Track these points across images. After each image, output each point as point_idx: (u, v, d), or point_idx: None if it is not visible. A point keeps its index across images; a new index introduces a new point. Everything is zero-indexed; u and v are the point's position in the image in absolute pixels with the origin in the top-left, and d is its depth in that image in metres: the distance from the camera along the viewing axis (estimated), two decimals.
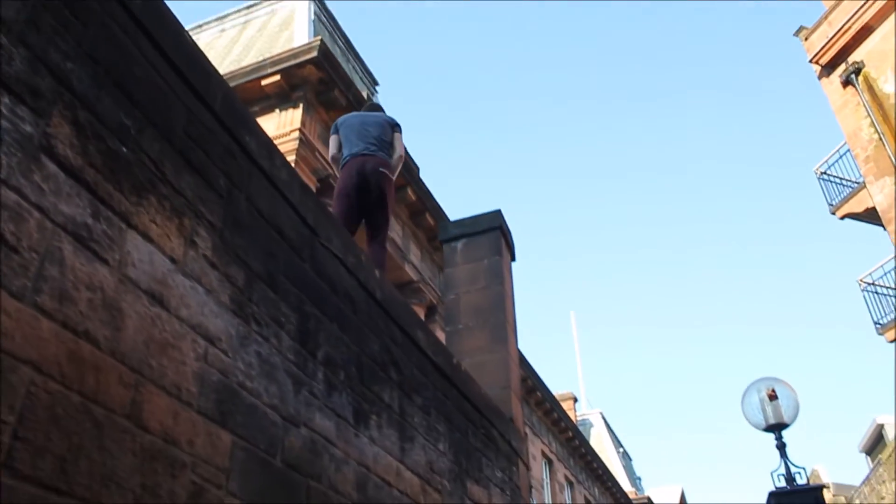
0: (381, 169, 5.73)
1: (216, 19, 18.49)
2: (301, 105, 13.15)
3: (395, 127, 6.15)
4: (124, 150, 2.39)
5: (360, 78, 18.94)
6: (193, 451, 2.40)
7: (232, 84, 13.14)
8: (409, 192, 14.42)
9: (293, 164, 12.61)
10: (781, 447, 6.11)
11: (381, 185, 5.71)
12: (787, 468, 5.97)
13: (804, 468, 5.95)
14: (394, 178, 5.93)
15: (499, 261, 6.91)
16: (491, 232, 6.95)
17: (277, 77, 13.06)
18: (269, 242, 3.17)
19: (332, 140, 6.14)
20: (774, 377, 6.39)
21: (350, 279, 3.82)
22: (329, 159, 6.39)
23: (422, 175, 15.16)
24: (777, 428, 6.16)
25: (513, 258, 7.37)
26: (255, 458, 2.71)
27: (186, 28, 19.26)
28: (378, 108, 6.46)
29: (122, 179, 2.36)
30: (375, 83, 20.24)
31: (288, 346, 3.09)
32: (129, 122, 2.45)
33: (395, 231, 14.34)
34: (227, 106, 3.09)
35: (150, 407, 2.26)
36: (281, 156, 3.46)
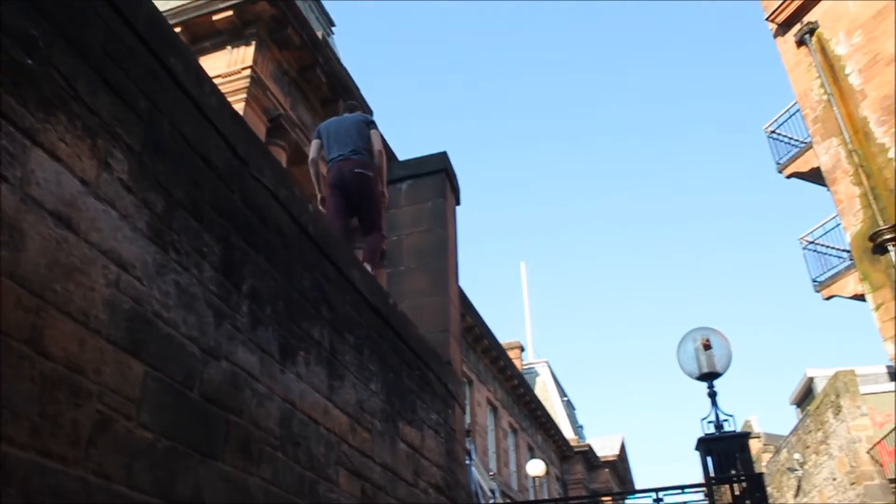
0: (356, 170, 6.27)
1: None
2: (253, 42, 12.78)
3: (369, 124, 6.64)
4: (29, 62, 2.25)
5: (316, 18, 18.46)
6: (101, 380, 2.32)
7: (182, 18, 12.68)
8: None
9: (244, 103, 12.29)
10: (713, 395, 6.26)
11: (361, 183, 6.25)
12: (717, 416, 6.11)
13: (732, 416, 6.12)
14: (381, 172, 6.46)
15: (443, 203, 6.85)
16: (436, 174, 6.88)
17: (230, 12, 12.66)
18: (195, 171, 3.06)
19: (313, 144, 6.75)
20: (710, 327, 6.51)
21: (282, 213, 3.72)
22: (308, 162, 6.90)
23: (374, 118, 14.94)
24: (709, 377, 6.29)
25: (457, 202, 7.32)
26: (169, 390, 2.64)
27: None
28: (354, 107, 6.94)
29: (26, 94, 2.22)
30: (332, 24, 19.77)
31: (210, 277, 3.01)
32: (36, 33, 2.30)
33: None
34: (151, 26, 2.94)
35: (53, 333, 2.17)
36: (210, 82, 3.32)
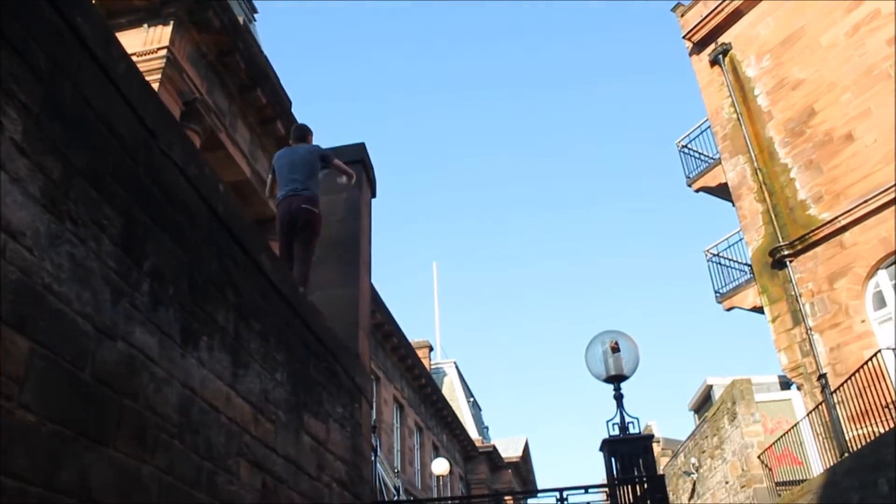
0: (304, 206, 6.22)
1: None
2: (172, 22, 12.31)
3: (325, 159, 6.58)
4: None
5: (238, 3, 18.01)
6: None
7: None
8: (279, 125, 13.96)
9: (158, 84, 11.82)
10: (619, 398, 6.34)
11: (308, 219, 6.22)
12: (622, 417, 6.19)
13: (637, 418, 6.20)
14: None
15: (358, 195, 6.73)
16: (353, 165, 6.74)
17: None
18: (98, 138, 2.87)
19: (270, 177, 6.85)
20: (619, 331, 6.60)
21: (190, 191, 3.55)
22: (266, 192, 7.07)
23: (294, 109, 14.69)
24: (616, 379, 6.37)
25: (373, 194, 7.21)
26: (58, 370, 2.46)
27: None
28: (304, 132, 6.84)
29: None
30: (254, 10, 19.32)
31: (109, 252, 2.82)
32: None
33: (262, 165, 13.85)
34: None
35: None
36: (120, 48, 3.13)
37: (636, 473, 5.88)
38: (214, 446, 3.47)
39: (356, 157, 6.83)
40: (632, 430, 6.11)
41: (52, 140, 2.58)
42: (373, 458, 7.26)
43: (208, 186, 3.73)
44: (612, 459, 5.98)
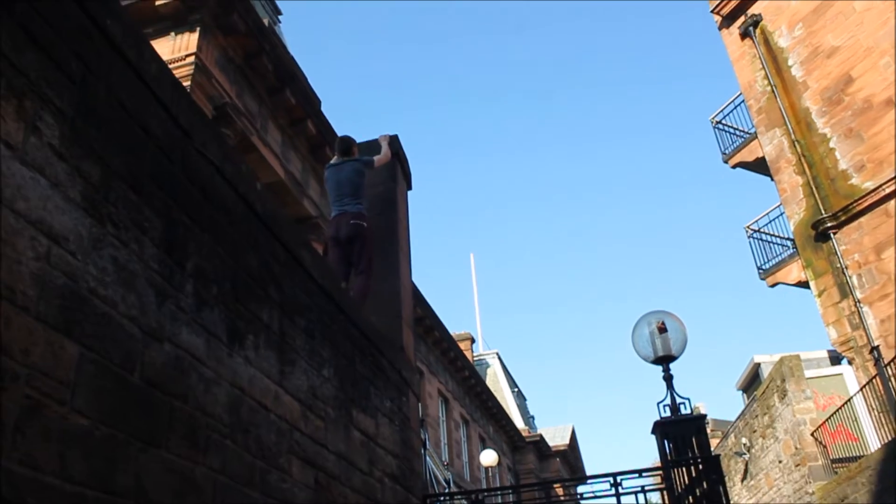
0: (352, 222, 6.38)
1: None
2: (198, 29, 12.36)
3: (367, 164, 6.67)
4: None
5: (263, 6, 18.05)
6: (29, 362, 2.12)
7: (125, 3, 12.23)
8: (310, 125, 13.99)
9: (188, 91, 11.91)
10: (668, 379, 6.22)
11: (358, 234, 6.34)
12: (673, 398, 6.07)
13: (689, 399, 6.08)
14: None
15: (394, 188, 6.69)
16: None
17: None
18: (133, 140, 2.86)
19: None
20: (665, 311, 6.48)
21: (227, 189, 3.53)
22: None
23: (326, 103, 14.71)
24: (665, 360, 6.24)
25: (409, 186, 7.16)
26: (108, 373, 2.45)
27: None
28: (348, 146, 6.85)
29: None
30: (278, 12, 19.38)
31: (151, 254, 2.81)
32: None
33: (295, 165, 13.90)
34: None
35: None
36: (151, 49, 3.11)
37: (690, 455, 5.76)
38: (265, 445, 3.45)
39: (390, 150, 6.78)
40: (683, 412, 5.99)
41: (89, 143, 2.57)
42: (422, 451, 7.23)
43: (245, 184, 3.71)
44: (665, 441, 5.87)
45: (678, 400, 6.04)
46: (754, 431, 17.21)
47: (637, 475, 5.73)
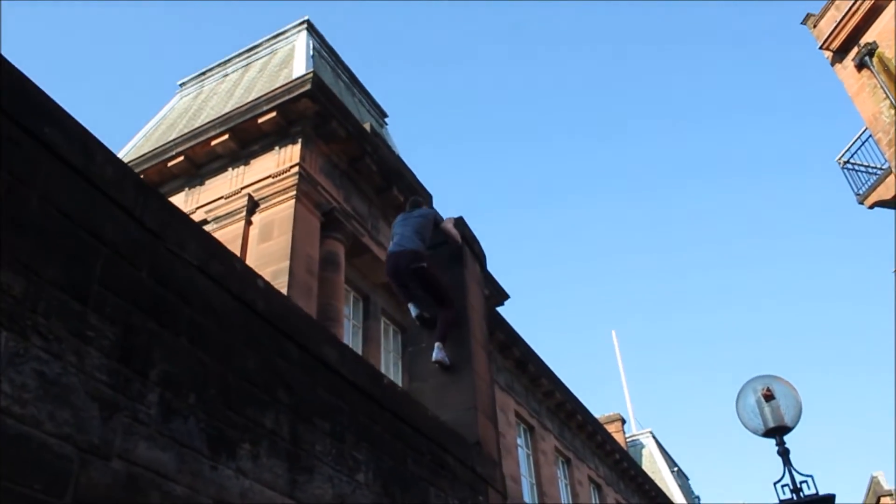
0: (404, 260, 6.61)
1: (219, 65, 18.23)
2: (300, 140, 12.77)
3: (434, 219, 7.09)
4: None
5: (368, 111, 18.60)
6: None
7: (230, 124, 12.83)
8: None
9: (293, 200, 12.18)
10: (784, 453, 5.39)
11: (414, 270, 6.50)
12: (792, 477, 5.27)
13: (811, 475, 5.23)
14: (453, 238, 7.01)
15: (461, 272, 6.38)
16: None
17: (273, 114, 12.71)
18: (79, 247, 2.72)
19: None
20: (771, 375, 5.70)
21: (216, 289, 3.34)
22: None
23: (437, 202, 14.75)
24: (777, 432, 5.46)
25: (482, 267, 6.83)
26: (23, 501, 2.22)
27: (189, 76, 18.68)
28: (418, 202, 7.52)
29: None
30: (384, 115, 19.92)
31: (97, 365, 2.61)
32: None
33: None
34: (15, 95, 2.66)
35: None
36: (106, 152, 3.01)
37: None
38: None
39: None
40: (806, 491, 5.16)
41: (13, 255, 2.44)
42: None
43: (240, 283, 3.51)
44: None
45: (799, 478, 5.23)
46: None
47: None
